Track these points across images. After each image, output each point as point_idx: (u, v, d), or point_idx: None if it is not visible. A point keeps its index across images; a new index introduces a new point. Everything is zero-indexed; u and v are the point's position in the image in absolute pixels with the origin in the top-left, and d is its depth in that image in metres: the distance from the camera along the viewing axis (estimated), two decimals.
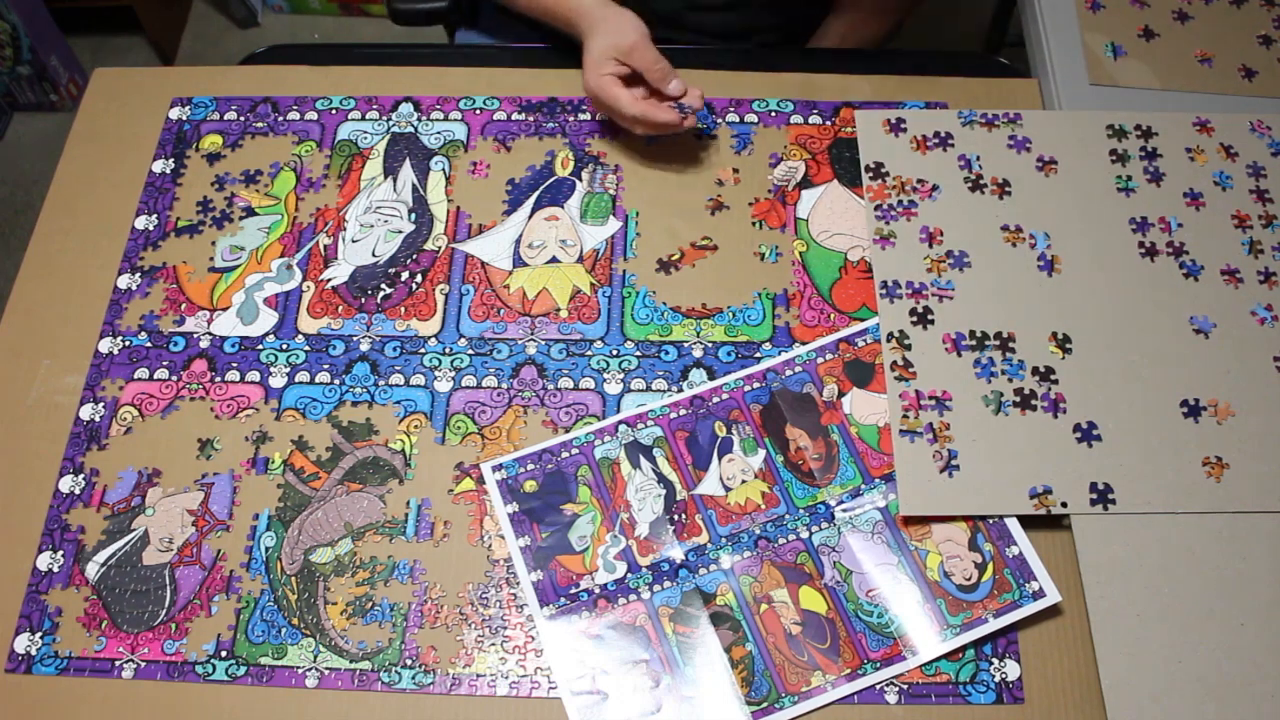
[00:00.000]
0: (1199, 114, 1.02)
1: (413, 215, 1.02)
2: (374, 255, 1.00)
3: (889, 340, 0.91)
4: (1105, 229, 0.96)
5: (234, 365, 0.95)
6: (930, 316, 0.92)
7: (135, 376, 0.95)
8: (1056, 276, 0.94)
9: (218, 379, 0.94)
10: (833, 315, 0.95)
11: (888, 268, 0.95)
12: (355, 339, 0.96)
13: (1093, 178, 0.99)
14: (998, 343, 0.91)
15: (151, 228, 1.02)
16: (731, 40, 1.23)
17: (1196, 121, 1.02)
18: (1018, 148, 1.01)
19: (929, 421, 0.87)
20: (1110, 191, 0.98)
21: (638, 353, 0.94)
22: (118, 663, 0.83)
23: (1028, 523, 0.84)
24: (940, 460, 0.86)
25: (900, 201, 0.98)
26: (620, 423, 0.90)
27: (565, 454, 0.89)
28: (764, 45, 1.26)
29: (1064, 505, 0.84)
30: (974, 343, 0.91)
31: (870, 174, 1.00)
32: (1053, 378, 0.89)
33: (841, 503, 0.86)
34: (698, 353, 0.94)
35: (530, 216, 1.02)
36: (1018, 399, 0.88)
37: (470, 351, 0.95)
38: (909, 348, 0.91)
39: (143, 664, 0.83)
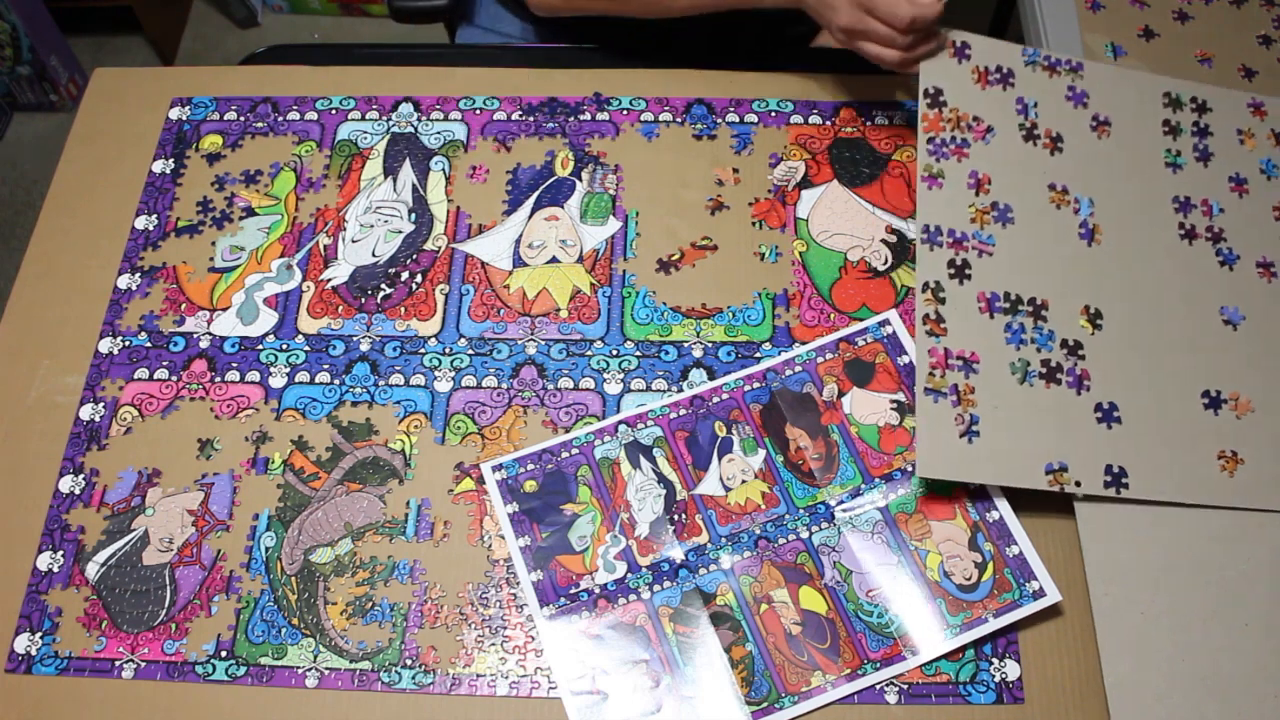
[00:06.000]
0: (1254, 95, 1.00)
1: (413, 215, 1.02)
2: (374, 255, 1.00)
3: (924, 290, 0.88)
4: (1149, 204, 0.95)
5: (234, 365, 0.95)
6: (968, 271, 0.90)
7: (135, 376, 0.95)
8: (1095, 247, 0.92)
9: (218, 379, 0.94)
10: (833, 315, 0.95)
11: (932, 211, 0.91)
12: (355, 339, 0.96)
13: (1143, 147, 0.97)
14: (1030, 309, 0.89)
15: (151, 228, 1.02)
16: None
17: (1251, 103, 1.00)
18: (1075, 101, 0.98)
19: (954, 382, 0.85)
20: (1158, 164, 0.97)
21: (638, 353, 0.94)
22: (118, 663, 0.83)
23: (1028, 520, 0.84)
24: (962, 424, 0.84)
25: (954, 138, 0.94)
26: (620, 423, 0.90)
27: (565, 454, 0.89)
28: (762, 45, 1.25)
29: (1078, 485, 0.83)
30: (1007, 305, 0.89)
31: (928, 101, 0.95)
32: (1080, 353, 0.88)
33: (841, 503, 0.86)
34: (698, 353, 0.94)
35: (530, 216, 1.01)
36: (1044, 370, 0.87)
37: (470, 351, 0.95)
38: (943, 301, 0.88)
39: (143, 664, 0.83)
